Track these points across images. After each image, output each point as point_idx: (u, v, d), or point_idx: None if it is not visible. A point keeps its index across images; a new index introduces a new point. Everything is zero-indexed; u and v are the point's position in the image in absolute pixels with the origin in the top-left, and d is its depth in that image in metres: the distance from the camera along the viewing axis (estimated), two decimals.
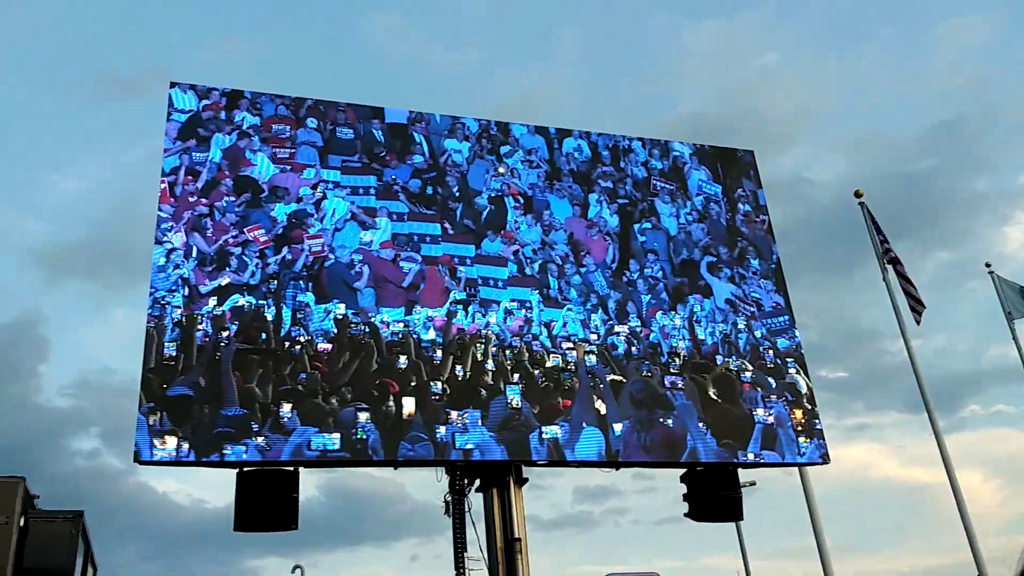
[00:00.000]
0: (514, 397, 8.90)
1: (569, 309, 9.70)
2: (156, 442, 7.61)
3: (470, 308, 9.31)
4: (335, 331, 8.68)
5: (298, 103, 9.94)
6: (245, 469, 7.94)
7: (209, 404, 7.92)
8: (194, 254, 8.65)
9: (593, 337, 9.62)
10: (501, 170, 10.43)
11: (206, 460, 7.75)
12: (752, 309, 10.54)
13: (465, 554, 8.70)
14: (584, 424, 9.00)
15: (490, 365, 9.02)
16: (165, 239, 8.64)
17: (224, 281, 8.60)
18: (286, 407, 8.11)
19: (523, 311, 9.50)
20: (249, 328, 8.43)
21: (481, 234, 9.85)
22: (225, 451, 7.77)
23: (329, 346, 8.59)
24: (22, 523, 7.22)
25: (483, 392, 8.84)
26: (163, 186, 8.91)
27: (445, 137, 10.41)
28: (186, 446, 7.68)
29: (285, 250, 8.97)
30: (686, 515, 9.60)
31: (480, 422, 8.64)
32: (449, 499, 8.97)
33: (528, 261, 9.87)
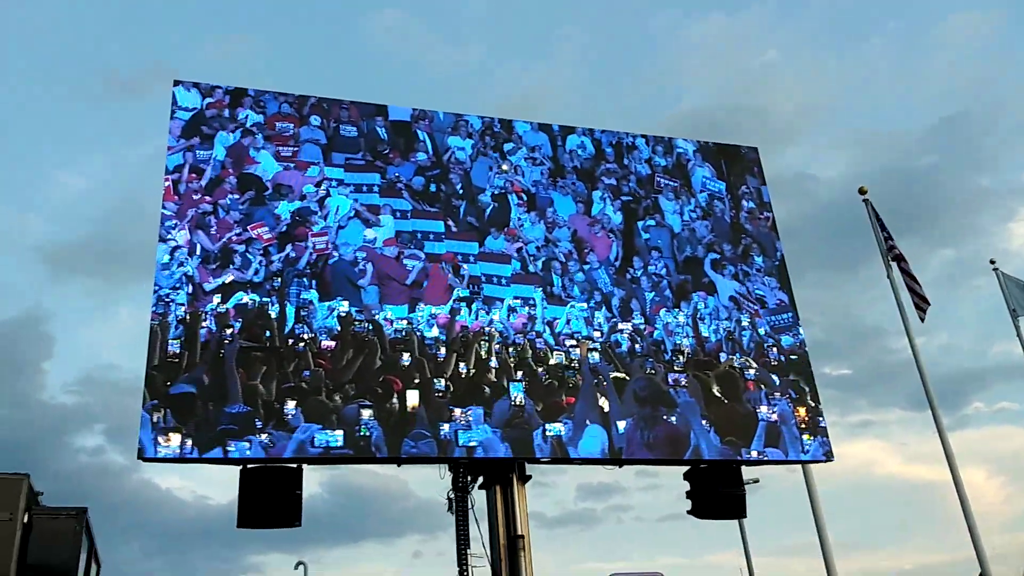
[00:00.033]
0: (517, 394, 8.90)
1: (572, 306, 9.69)
2: (160, 439, 7.62)
3: (473, 305, 9.31)
4: (338, 328, 8.69)
5: (301, 101, 9.94)
6: (248, 466, 7.95)
7: (213, 401, 7.93)
8: (198, 252, 8.66)
9: (597, 334, 9.61)
10: (504, 167, 10.43)
11: (210, 457, 7.76)
12: (756, 306, 10.53)
13: (468, 551, 8.70)
14: (587, 421, 9.00)
15: (494, 363, 9.02)
16: (169, 237, 8.65)
17: (228, 279, 8.61)
18: (290, 404, 8.12)
19: (526, 308, 9.49)
20: (253, 325, 8.44)
21: (484, 231, 9.84)
22: (229, 448, 7.79)
23: (333, 343, 8.60)
24: (26, 520, 7.24)
25: (487, 389, 8.85)
26: (167, 184, 8.92)
27: (449, 134, 10.40)
28: (190, 443, 7.69)
29: (289, 248, 8.98)
30: (689, 512, 9.61)
31: (483, 419, 8.64)
32: (452, 496, 8.97)
33: (532, 258, 9.87)
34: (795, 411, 9.89)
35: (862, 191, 15.59)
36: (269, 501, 7.95)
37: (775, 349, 10.29)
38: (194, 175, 9.05)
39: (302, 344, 8.49)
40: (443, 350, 8.92)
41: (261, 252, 8.86)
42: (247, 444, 7.84)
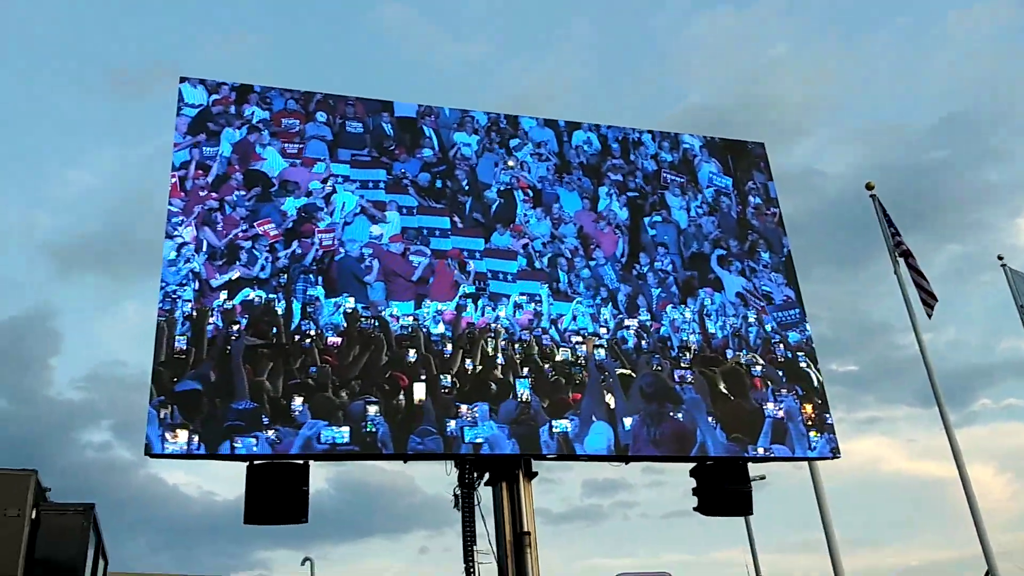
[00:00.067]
0: (524, 391, 8.90)
1: (579, 303, 9.68)
2: (167, 436, 7.63)
3: (479, 302, 9.31)
4: (345, 325, 8.69)
5: (307, 97, 9.94)
6: (255, 462, 7.96)
7: (220, 397, 7.94)
8: (204, 248, 8.67)
9: (603, 331, 9.60)
10: (510, 163, 10.41)
11: (217, 453, 7.77)
12: (763, 303, 10.50)
13: (474, 547, 8.72)
14: (594, 418, 8.99)
15: (500, 359, 9.01)
16: (176, 233, 8.66)
17: (234, 275, 8.62)
18: (297, 400, 8.12)
19: (532, 305, 9.48)
20: (259, 322, 8.45)
21: (490, 228, 9.83)
22: (236, 444, 7.80)
23: (339, 340, 8.60)
24: (34, 516, 7.27)
25: (493, 386, 8.84)
26: (173, 180, 8.93)
27: (454, 130, 10.39)
28: (197, 439, 7.70)
29: (295, 244, 8.98)
30: (695, 509, 9.59)
31: (490, 416, 8.64)
32: (458, 492, 8.99)
33: (538, 255, 9.85)
34: (802, 408, 9.87)
35: (869, 186, 15.53)
36: (276, 497, 7.96)
37: (782, 345, 10.26)
38: (200, 171, 9.06)
39: (308, 340, 8.50)
40: (449, 346, 8.91)
41: (267, 248, 8.86)
42: (254, 440, 7.85)
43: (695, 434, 9.27)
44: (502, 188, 10.17)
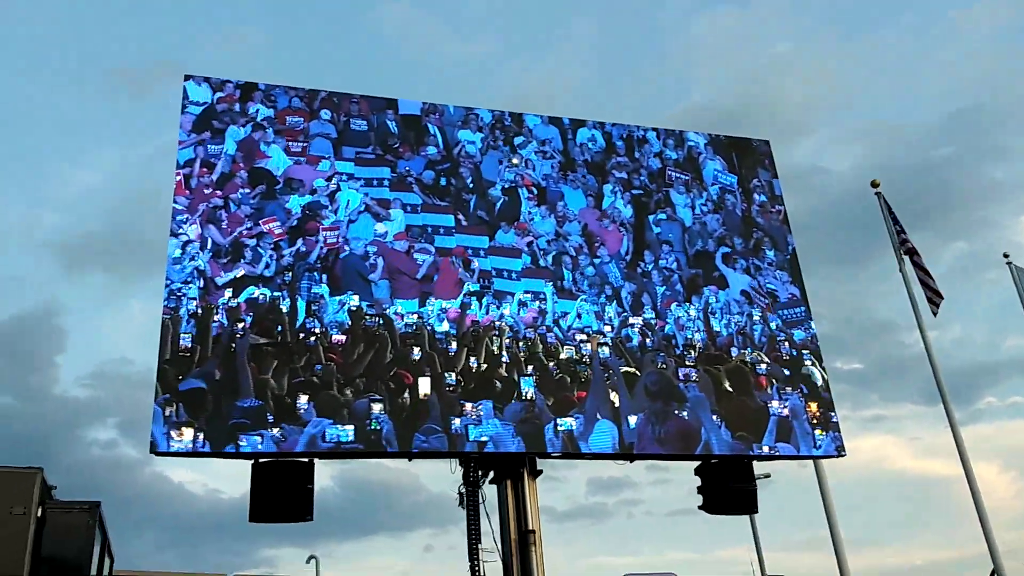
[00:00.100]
0: (528, 389, 8.89)
1: (583, 301, 9.67)
2: (173, 433, 7.64)
3: (484, 300, 9.30)
4: (349, 323, 8.69)
5: (312, 95, 9.93)
6: (260, 460, 7.97)
7: (225, 395, 7.94)
8: (209, 246, 8.67)
9: (607, 329, 9.58)
10: (515, 161, 10.40)
11: (222, 451, 7.78)
12: (767, 301, 10.48)
13: (479, 545, 8.70)
14: (598, 416, 8.98)
15: (504, 357, 9.00)
16: (180, 231, 8.66)
17: (239, 273, 8.62)
18: (302, 398, 8.13)
19: (537, 303, 9.47)
20: (264, 320, 8.45)
21: (495, 225, 9.82)
22: (241, 442, 7.80)
23: (343, 338, 8.60)
24: (39, 514, 7.27)
25: (497, 384, 8.84)
26: (178, 178, 8.93)
27: (459, 128, 10.38)
28: (202, 437, 7.71)
29: (300, 242, 8.98)
30: (700, 507, 9.58)
31: (494, 414, 8.63)
32: (463, 491, 8.98)
33: (542, 252, 9.84)
34: (807, 406, 9.85)
35: (874, 184, 15.49)
36: (281, 495, 7.97)
37: (787, 344, 10.24)
38: (205, 169, 9.06)
39: (313, 338, 8.50)
40: (454, 344, 8.91)
41: (272, 246, 8.86)
42: (259, 438, 7.85)
43: (700, 432, 9.26)
44: (506, 186, 10.16)
